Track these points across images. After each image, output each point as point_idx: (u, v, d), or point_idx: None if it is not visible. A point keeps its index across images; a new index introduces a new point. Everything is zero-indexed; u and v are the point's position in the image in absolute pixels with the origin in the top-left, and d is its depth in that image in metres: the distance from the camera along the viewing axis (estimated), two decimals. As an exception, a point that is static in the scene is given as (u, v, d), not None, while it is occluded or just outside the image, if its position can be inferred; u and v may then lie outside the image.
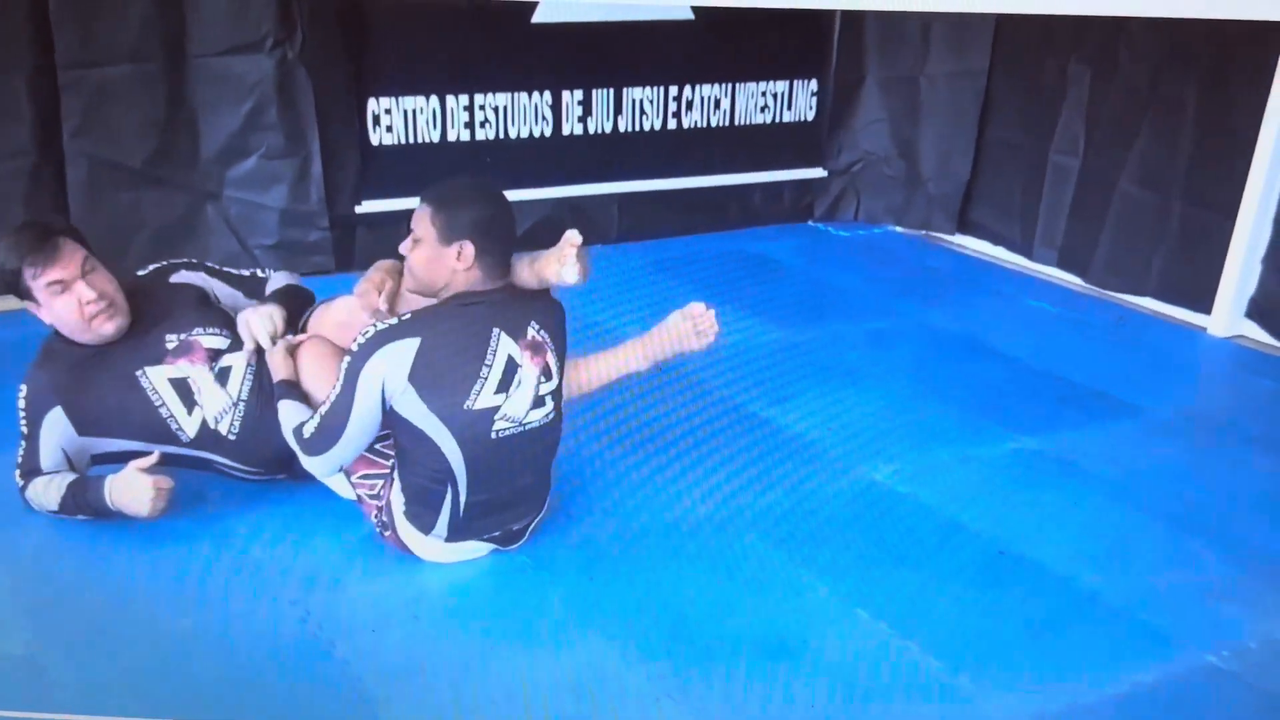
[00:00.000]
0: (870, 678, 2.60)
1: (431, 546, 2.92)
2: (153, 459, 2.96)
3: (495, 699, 2.49)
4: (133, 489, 2.92)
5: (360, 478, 2.93)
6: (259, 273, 3.32)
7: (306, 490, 2.92)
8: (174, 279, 3.21)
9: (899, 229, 6.14)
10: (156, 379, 3.05)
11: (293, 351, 3.04)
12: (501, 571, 2.95)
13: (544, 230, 5.25)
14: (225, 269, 3.31)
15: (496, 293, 2.79)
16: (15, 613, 2.73)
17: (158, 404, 3.05)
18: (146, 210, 4.77)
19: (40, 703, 2.40)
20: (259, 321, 3.03)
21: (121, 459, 3.09)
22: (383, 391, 2.69)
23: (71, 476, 3.01)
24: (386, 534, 2.95)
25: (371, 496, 2.93)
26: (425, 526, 2.88)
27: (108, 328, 3.00)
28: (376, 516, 2.95)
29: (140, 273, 3.22)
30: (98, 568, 2.89)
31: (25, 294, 2.96)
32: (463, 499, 2.83)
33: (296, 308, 3.18)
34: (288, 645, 2.64)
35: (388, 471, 2.89)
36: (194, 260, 3.30)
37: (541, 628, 2.74)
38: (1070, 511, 3.34)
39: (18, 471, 3.05)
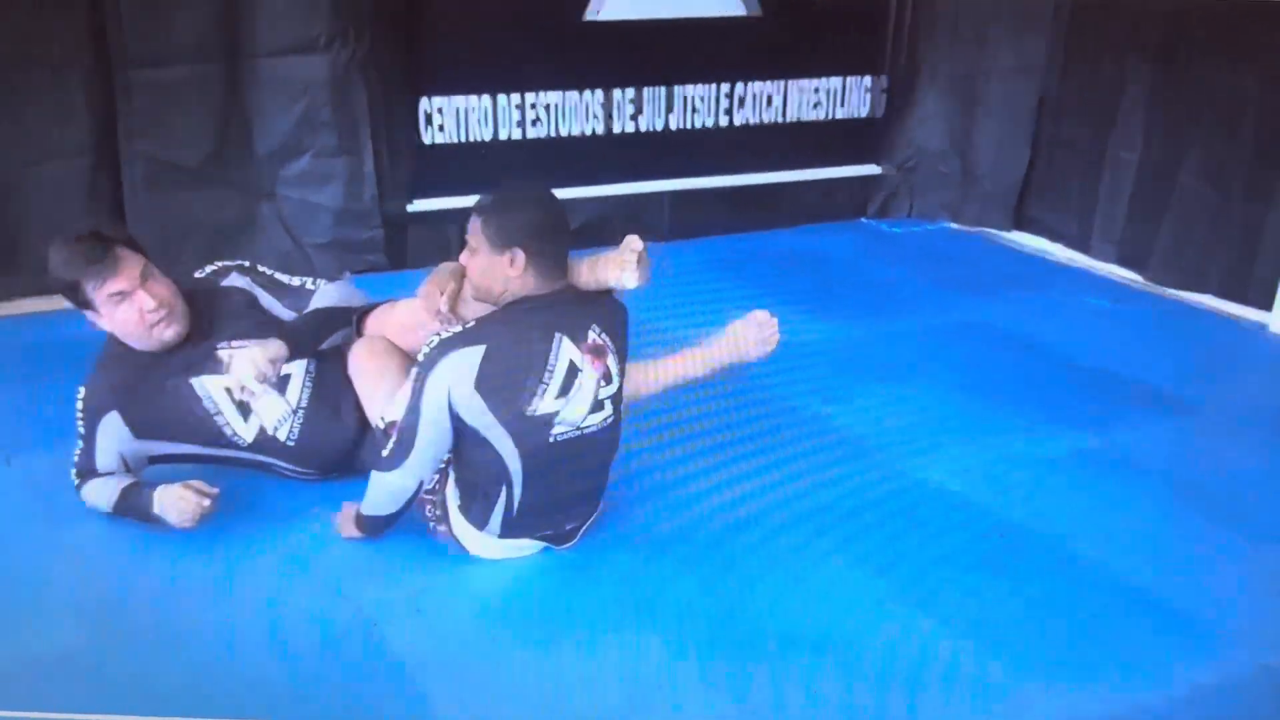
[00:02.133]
0: (922, 676, 2.59)
1: (484, 542, 2.94)
2: (208, 500, 2.96)
3: (545, 693, 2.50)
4: (177, 505, 2.94)
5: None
6: (309, 284, 3.29)
7: (359, 487, 2.94)
8: (225, 282, 3.23)
9: (953, 225, 6.10)
10: (212, 387, 3.08)
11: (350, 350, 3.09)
12: (553, 567, 2.97)
13: (595, 229, 5.28)
14: (275, 276, 3.30)
15: (557, 295, 2.79)
16: (71, 609, 2.76)
17: (213, 411, 3.09)
18: (202, 209, 4.83)
19: (95, 698, 2.43)
20: (239, 365, 2.89)
21: (179, 461, 3.15)
22: (449, 399, 2.70)
23: (126, 481, 3.05)
24: (440, 529, 2.97)
25: (426, 491, 2.94)
26: (479, 523, 2.91)
27: (168, 334, 3.04)
28: (430, 511, 2.97)
29: (196, 274, 3.25)
30: (151, 563, 2.93)
31: (85, 304, 2.99)
32: (517, 499, 2.85)
33: (320, 334, 3.16)
34: (340, 638, 2.67)
35: (443, 466, 2.91)
36: (245, 264, 3.31)
37: (592, 623, 2.75)
38: (1126, 510, 3.31)
39: (74, 471, 3.10)
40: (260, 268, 3.32)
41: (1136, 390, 4.11)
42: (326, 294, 3.27)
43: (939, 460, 3.54)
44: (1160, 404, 4.00)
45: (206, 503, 2.94)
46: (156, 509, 2.96)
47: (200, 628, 2.70)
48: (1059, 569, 3.02)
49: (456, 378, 2.68)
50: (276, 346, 2.95)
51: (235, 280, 3.24)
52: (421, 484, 2.85)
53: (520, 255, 2.71)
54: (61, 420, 3.16)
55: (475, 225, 2.77)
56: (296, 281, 3.29)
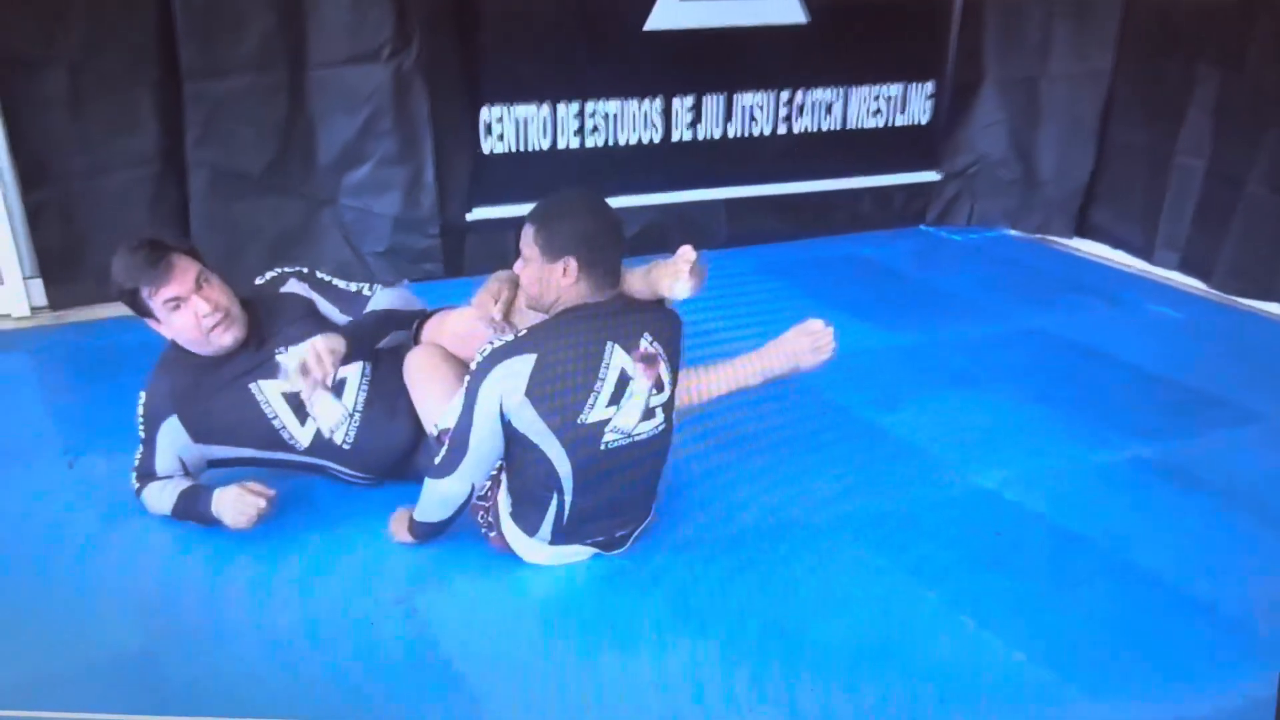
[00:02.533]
0: (976, 685, 2.57)
1: (535, 549, 2.95)
2: (264, 501, 3.01)
3: (595, 699, 2.51)
4: (235, 506, 2.99)
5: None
6: (365, 290, 3.30)
7: (413, 492, 2.96)
8: (284, 289, 3.26)
9: (1014, 232, 6.06)
10: (270, 392, 3.12)
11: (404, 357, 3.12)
12: (603, 573, 2.97)
13: (652, 236, 5.30)
14: (333, 281, 3.32)
15: (609, 304, 2.79)
16: (131, 610, 2.80)
17: (271, 416, 3.13)
18: (264, 217, 4.89)
19: (152, 698, 2.48)
20: (296, 353, 2.92)
21: (238, 464, 3.20)
22: (501, 407, 2.71)
23: (185, 484, 3.10)
24: (491, 535, 2.99)
25: (479, 498, 2.96)
26: (530, 529, 2.92)
27: (225, 339, 3.08)
28: (482, 518, 2.99)
29: (258, 281, 3.29)
30: (208, 566, 2.97)
31: (145, 311, 3.05)
32: (568, 506, 2.86)
33: (378, 334, 3.20)
34: (391, 642, 2.69)
35: (495, 473, 2.93)
36: (304, 270, 3.34)
37: (642, 629, 2.76)
38: (1185, 519, 3.27)
39: (134, 474, 3.15)
40: (319, 274, 3.35)
41: (1198, 399, 4.06)
42: (384, 298, 3.29)
43: (995, 469, 3.51)
44: (1222, 413, 3.94)
45: (263, 503, 2.99)
46: (214, 510, 3.01)
47: (252, 630, 2.73)
48: (1115, 578, 2.99)
49: (508, 386, 2.69)
50: (335, 339, 2.96)
51: (294, 287, 3.28)
52: (474, 490, 2.86)
53: (573, 264, 2.72)
54: (124, 424, 3.21)
55: (528, 234, 2.78)
56: (353, 287, 3.31)
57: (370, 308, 3.26)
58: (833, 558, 3.06)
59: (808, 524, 3.21)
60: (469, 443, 2.75)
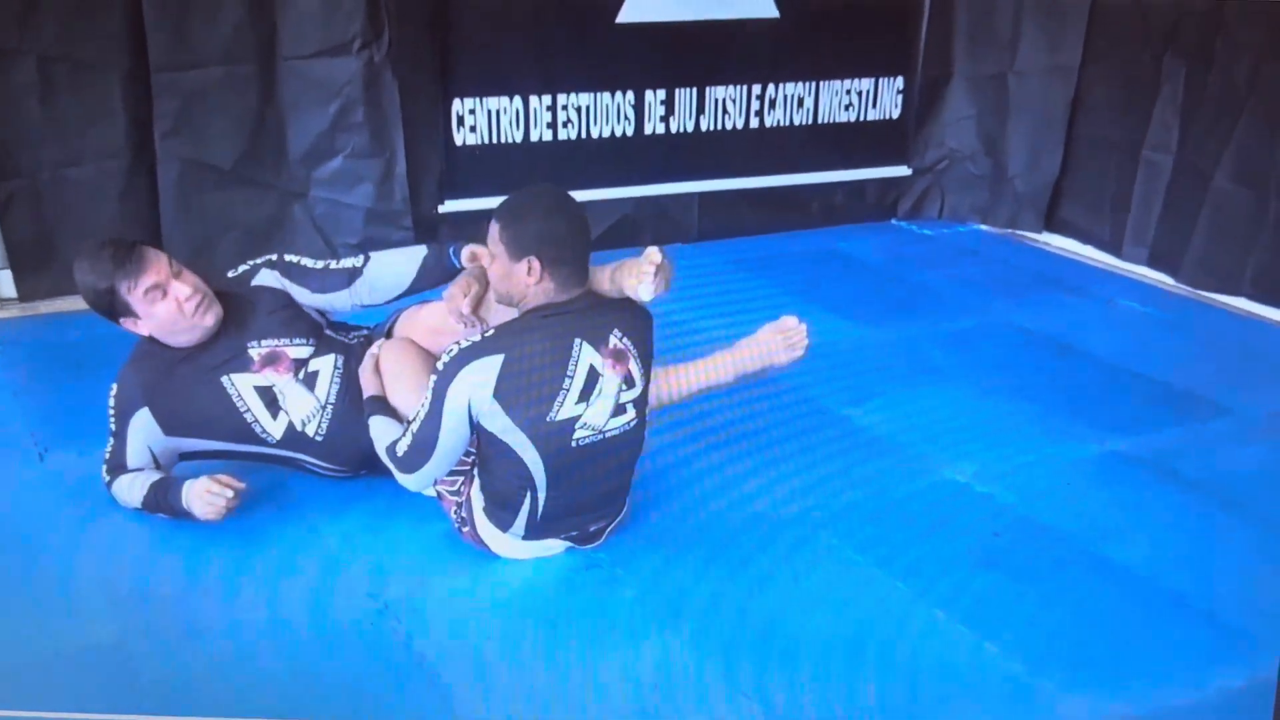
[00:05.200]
0: (949, 680, 2.57)
1: (509, 544, 2.94)
2: (231, 492, 3.00)
3: (570, 695, 2.50)
4: (204, 498, 2.97)
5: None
6: (332, 265, 3.23)
7: (386, 485, 2.96)
8: (255, 282, 3.21)
9: (984, 227, 6.07)
10: (242, 386, 3.10)
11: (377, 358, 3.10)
12: (578, 568, 2.96)
13: (624, 229, 5.30)
14: (302, 261, 3.24)
15: (577, 302, 2.77)
16: (103, 605, 2.77)
17: (242, 410, 3.10)
18: (235, 210, 4.86)
19: (124, 694, 2.45)
20: (450, 298, 3.01)
21: (209, 457, 3.17)
22: (469, 408, 2.70)
23: (155, 476, 3.07)
24: (465, 530, 2.98)
25: (451, 493, 2.96)
26: (503, 525, 2.91)
27: (209, 319, 3.05)
28: (456, 513, 2.98)
29: (230, 274, 3.24)
30: (179, 561, 2.94)
31: (122, 309, 3.01)
32: (541, 502, 2.84)
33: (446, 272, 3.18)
34: (365, 638, 2.67)
35: (468, 469, 2.92)
36: (273, 257, 3.28)
37: (617, 624, 2.75)
38: (1158, 513, 3.29)
39: (104, 467, 3.12)
40: (288, 257, 3.27)
41: (1168, 393, 4.08)
42: (382, 267, 3.21)
43: (967, 462, 3.52)
44: (1193, 407, 3.97)
45: (230, 494, 2.97)
46: (184, 502, 2.99)
47: (225, 627, 2.70)
48: (1088, 572, 3.00)
49: (476, 388, 2.68)
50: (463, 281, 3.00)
51: (266, 278, 3.22)
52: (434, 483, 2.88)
53: (536, 264, 2.69)
54: (94, 417, 3.19)
55: (493, 231, 2.76)
56: (320, 264, 3.23)
57: (371, 274, 3.19)
58: (805, 551, 3.05)
59: (780, 517, 3.20)
60: (435, 446, 2.74)
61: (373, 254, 3.26)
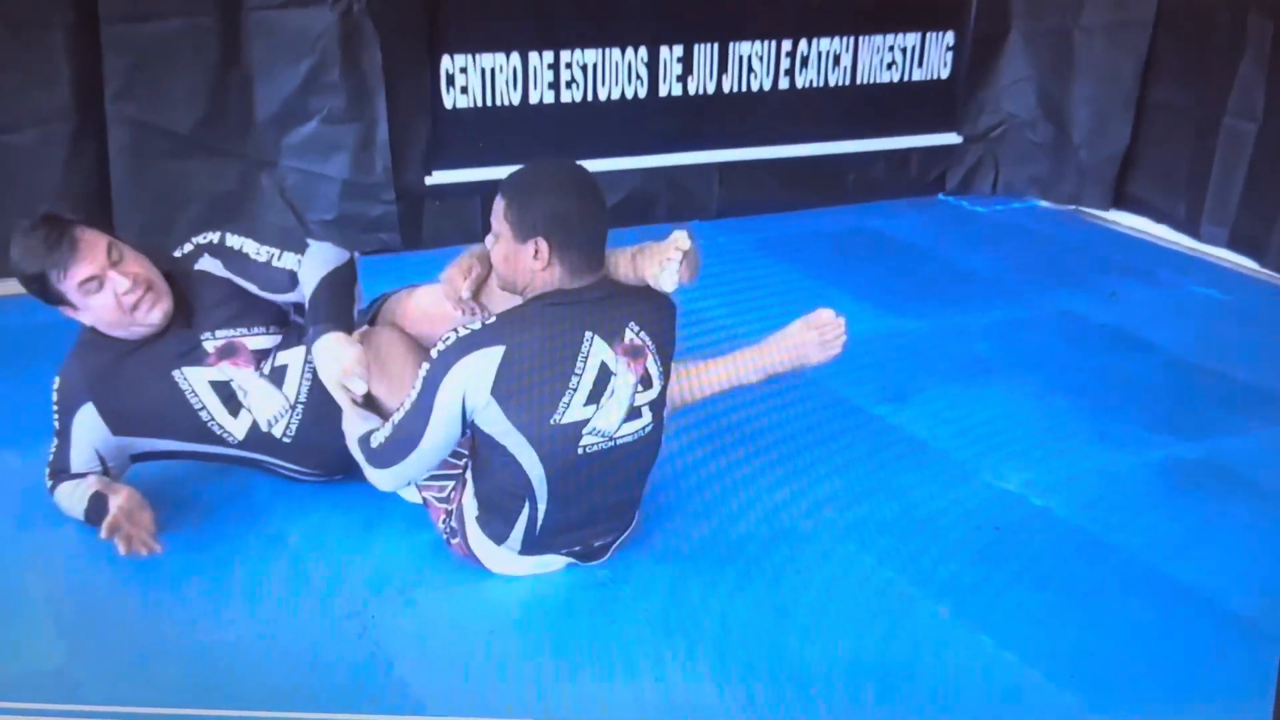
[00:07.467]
0: (991, 712, 2.60)
1: (503, 558, 2.96)
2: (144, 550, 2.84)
3: (569, 724, 2.53)
4: (120, 534, 2.80)
5: (428, 479, 2.95)
6: (275, 258, 3.13)
7: (366, 491, 2.97)
8: (198, 266, 3.18)
9: (1044, 203, 6.12)
10: (195, 380, 3.12)
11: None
12: (579, 586, 2.98)
13: (635, 204, 5.32)
14: (243, 250, 3.15)
15: (590, 290, 2.75)
16: (49, 624, 2.81)
17: (197, 407, 3.12)
18: (195, 181, 4.88)
19: (77, 714, 2.49)
20: (331, 374, 2.92)
21: (166, 458, 3.20)
22: (463, 405, 2.69)
23: (98, 485, 3.02)
24: (454, 541, 2.99)
25: (440, 500, 2.98)
26: (498, 537, 2.92)
27: (154, 315, 3.06)
28: (444, 523, 3.00)
29: (175, 254, 3.22)
30: (135, 576, 2.95)
31: (56, 298, 3.01)
32: (541, 514, 2.85)
33: (345, 303, 3.09)
34: (343, 662, 2.70)
35: (459, 473, 2.93)
36: (214, 240, 3.20)
37: (622, 648, 2.77)
38: (1227, 527, 3.31)
39: (47, 471, 3.13)
40: (229, 242, 3.18)
41: (1245, 393, 4.11)
42: (312, 265, 3.11)
43: (1018, 470, 3.55)
44: (1271, 409, 3.99)
45: (141, 551, 2.82)
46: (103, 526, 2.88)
47: (183, 648, 2.72)
48: (1149, 592, 3.03)
49: (472, 383, 2.66)
50: (353, 352, 2.93)
51: (207, 264, 3.18)
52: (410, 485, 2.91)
53: (544, 246, 2.67)
54: (36, 413, 3.20)
55: (499, 207, 2.74)
56: (263, 256, 3.15)
57: (305, 281, 3.11)
58: (835, 569, 3.09)
59: (807, 531, 3.24)
60: (417, 443, 2.73)
61: (304, 256, 3.14)
